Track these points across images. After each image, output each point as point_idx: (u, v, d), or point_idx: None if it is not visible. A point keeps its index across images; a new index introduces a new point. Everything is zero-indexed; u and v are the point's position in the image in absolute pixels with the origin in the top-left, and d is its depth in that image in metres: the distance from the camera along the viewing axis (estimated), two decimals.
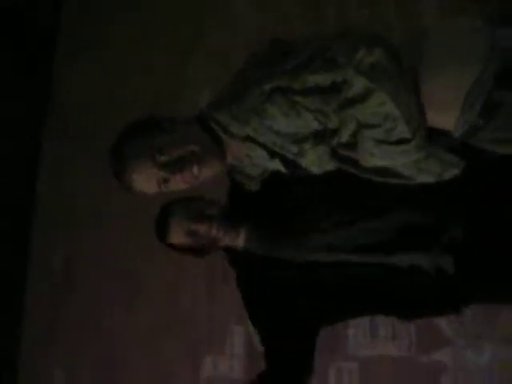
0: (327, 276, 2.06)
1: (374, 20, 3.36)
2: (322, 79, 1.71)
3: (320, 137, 1.79)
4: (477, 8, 3.03)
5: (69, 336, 3.69)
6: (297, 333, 2.13)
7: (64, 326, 3.71)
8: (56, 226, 3.82)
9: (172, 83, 3.75)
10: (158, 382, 3.56)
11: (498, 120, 1.74)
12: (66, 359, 3.69)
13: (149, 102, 3.66)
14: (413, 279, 2.01)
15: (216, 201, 2.20)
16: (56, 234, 3.81)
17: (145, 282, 3.62)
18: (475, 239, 1.98)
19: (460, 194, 1.96)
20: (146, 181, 1.85)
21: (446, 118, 1.76)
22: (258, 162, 1.93)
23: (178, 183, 1.87)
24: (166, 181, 1.85)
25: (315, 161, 1.84)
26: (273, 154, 1.86)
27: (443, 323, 3.21)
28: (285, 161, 1.87)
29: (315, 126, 1.77)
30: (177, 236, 2.14)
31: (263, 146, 1.84)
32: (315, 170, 1.87)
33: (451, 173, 1.87)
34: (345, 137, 1.76)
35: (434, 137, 1.79)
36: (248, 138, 1.83)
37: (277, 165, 1.89)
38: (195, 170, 1.84)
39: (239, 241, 2.16)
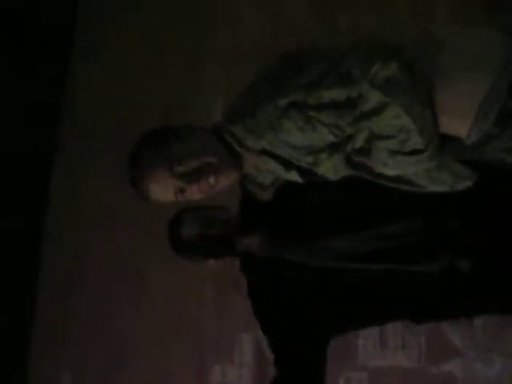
0: (340, 280, 2.05)
1: (385, 24, 3.36)
2: (337, 94, 1.71)
3: (336, 147, 1.79)
4: (490, 16, 3.04)
5: (78, 336, 3.69)
6: (308, 338, 2.12)
7: (73, 327, 3.71)
8: (67, 225, 3.83)
9: (184, 84, 3.77)
10: None
11: None
12: (75, 360, 3.69)
13: (161, 103, 3.67)
14: (425, 282, 2.01)
15: (229, 210, 2.20)
16: (66, 234, 3.81)
17: (154, 283, 3.62)
18: (487, 246, 1.98)
19: (472, 203, 1.96)
20: (163, 190, 1.86)
21: (459, 125, 1.77)
22: (273, 173, 1.93)
23: (194, 193, 1.87)
24: (182, 191, 1.86)
25: (331, 169, 1.85)
26: (289, 166, 1.86)
27: (453, 334, 3.20)
28: (301, 171, 1.88)
29: (331, 138, 1.77)
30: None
31: (279, 158, 1.84)
32: (332, 176, 1.88)
33: (463, 185, 1.87)
34: (359, 143, 1.76)
35: (446, 144, 1.79)
36: (263, 152, 1.84)
37: (293, 176, 1.90)
38: (212, 180, 1.84)
39: (252, 248, 2.15)
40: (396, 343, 3.27)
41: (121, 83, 3.85)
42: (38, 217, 3.82)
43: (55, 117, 3.90)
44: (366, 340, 3.26)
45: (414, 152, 1.74)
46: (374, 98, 1.67)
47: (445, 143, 1.79)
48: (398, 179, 1.85)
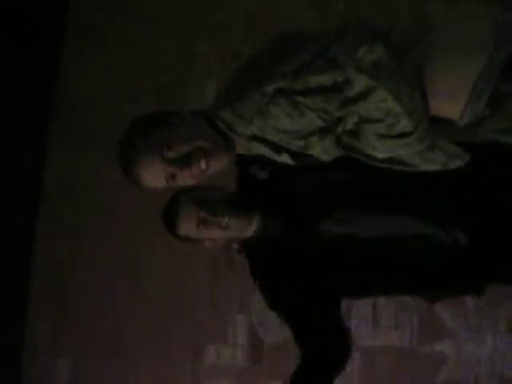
0: (341, 249, 2.08)
1: (378, 8, 3.36)
2: (324, 79, 1.71)
3: (326, 130, 1.80)
4: None
5: (74, 322, 3.72)
6: (322, 305, 2.13)
7: (70, 313, 3.73)
8: (61, 214, 3.83)
9: (174, 80, 3.76)
10: (161, 368, 3.59)
11: (504, 111, 1.75)
12: (71, 346, 3.71)
13: (151, 100, 3.66)
14: (425, 249, 2.04)
15: (226, 189, 2.20)
16: (62, 221, 3.83)
17: (148, 269, 3.64)
18: (477, 227, 2.01)
19: (464, 183, 1.98)
20: (153, 176, 1.85)
21: (451, 107, 1.77)
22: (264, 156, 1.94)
23: (186, 178, 1.86)
24: (173, 176, 1.85)
25: (321, 152, 1.86)
26: (279, 150, 1.87)
27: (446, 315, 3.23)
28: (292, 153, 1.88)
29: (319, 123, 1.77)
30: (187, 225, 2.12)
31: (269, 143, 1.85)
32: (325, 158, 1.88)
33: (456, 163, 1.89)
34: (349, 125, 1.77)
35: (437, 126, 1.80)
36: (254, 137, 1.84)
37: (285, 158, 1.90)
38: (203, 164, 1.84)
39: (250, 229, 2.15)
40: (389, 322, 3.30)
41: (110, 80, 3.85)
42: (32, 208, 3.83)
43: (47, 105, 3.91)
44: (358, 319, 3.29)
45: (402, 135, 1.74)
46: (361, 82, 1.67)
47: (436, 125, 1.79)
48: (390, 160, 1.86)
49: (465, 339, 3.22)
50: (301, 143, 1.82)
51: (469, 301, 3.19)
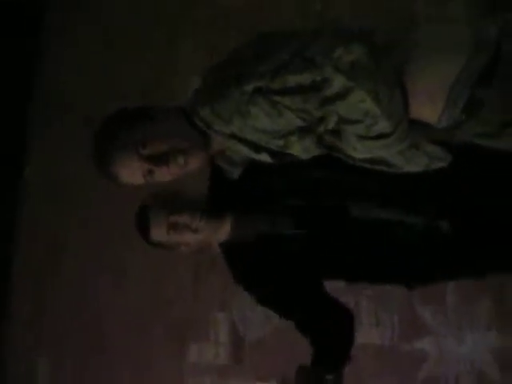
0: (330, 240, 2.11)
1: (360, 7, 3.36)
2: (302, 79, 1.71)
3: (306, 130, 1.80)
4: None
5: (56, 321, 3.70)
6: (311, 290, 2.16)
7: (51, 312, 3.72)
8: (41, 210, 3.82)
9: (160, 71, 3.76)
10: (143, 366, 3.59)
11: (480, 117, 1.76)
12: (53, 345, 3.70)
13: (137, 91, 3.65)
14: (408, 237, 2.07)
15: (196, 192, 2.19)
16: (42, 221, 3.81)
17: (130, 267, 3.63)
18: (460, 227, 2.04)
19: (446, 185, 2.01)
20: (130, 173, 1.84)
21: (429, 110, 1.77)
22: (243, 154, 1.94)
23: (164, 175, 1.85)
24: (151, 172, 1.84)
25: (301, 151, 1.86)
26: (258, 149, 1.87)
27: (426, 313, 3.25)
28: (271, 152, 1.88)
29: (298, 123, 1.77)
30: (158, 230, 2.12)
31: (248, 142, 1.85)
32: (304, 156, 1.88)
33: (438, 165, 1.90)
34: (331, 124, 1.77)
35: (416, 126, 1.81)
36: (232, 136, 1.84)
37: (264, 157, 1.89)
38: (181, 160, 1.83)
39: (222, 231, 2.15)
40: (370, 320, 3.32)
41: (93, 70, 3.84)
42: (14, 203, 3.81)
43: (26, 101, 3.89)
44: None
45: (380, 136, 1.74)
46: (338, 83, 1.67)
47: (415, 125, 1.80)
48: (371, 161, 1.87)
49: (445, 336, 3.24)
50: (280, 142, 1.82)
51: (449, 298, 3.21)
